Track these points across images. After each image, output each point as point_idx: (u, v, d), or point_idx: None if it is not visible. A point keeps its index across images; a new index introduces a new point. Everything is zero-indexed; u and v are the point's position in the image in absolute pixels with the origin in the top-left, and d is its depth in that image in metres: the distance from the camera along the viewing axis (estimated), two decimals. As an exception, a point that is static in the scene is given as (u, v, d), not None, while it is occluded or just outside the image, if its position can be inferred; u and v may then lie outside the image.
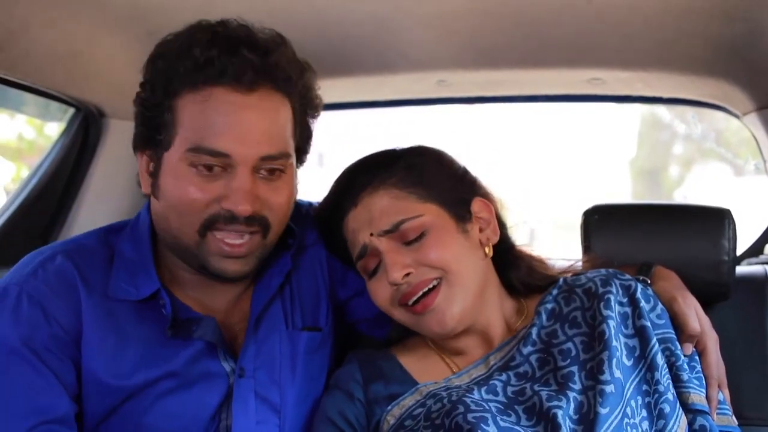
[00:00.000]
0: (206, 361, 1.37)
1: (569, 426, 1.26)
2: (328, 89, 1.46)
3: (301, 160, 1.41)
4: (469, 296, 1.36)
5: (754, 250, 2.15)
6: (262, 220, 1.32)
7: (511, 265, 1.48)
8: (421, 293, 1.34)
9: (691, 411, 1.33)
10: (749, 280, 1.79)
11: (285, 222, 1.38)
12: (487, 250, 1.42)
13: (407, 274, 1.34)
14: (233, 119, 1.27)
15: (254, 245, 1.33)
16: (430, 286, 1.34)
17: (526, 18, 1.72)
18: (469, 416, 1.26)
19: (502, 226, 1.47)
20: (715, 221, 1.68)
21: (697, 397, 1.33)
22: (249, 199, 1.28)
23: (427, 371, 1.42)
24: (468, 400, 1.29)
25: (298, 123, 1.36)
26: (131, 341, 1.34)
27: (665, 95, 2.22)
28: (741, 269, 1.81)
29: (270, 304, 1.44)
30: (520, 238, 1.53)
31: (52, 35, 1.57)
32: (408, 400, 1.37)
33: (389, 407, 1.37)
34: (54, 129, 2.10)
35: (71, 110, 1.93)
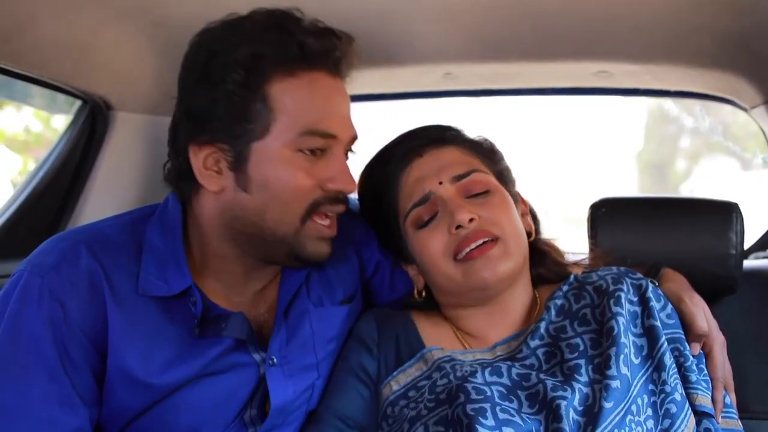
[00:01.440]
0: (236, 355, 1.35)
1: (572, 418, 1.25)
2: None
3: None
4: (519, 263, 1.39)
5: (762, 244, 2.15)
6: (346, 198, 1.35)
7: (540, 257, 1.50)
8: (481, 241, 1.35)
9: (697, 413, 1.31)
10: (756, 273, 1.79)
11: None
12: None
13: (471, 220, 1.36)
14: (334, 103, 1.31)
15: (336, 225, 1.36)
16: (488, 238, 1.35)
17: (533, 10, 1.72)
18: (468, 408, 1.25)
19: (536, 222, 1.52)
20: (722, 215, 1.67)
21: (704, 399, 1.32)
22: (353, 178, 1.32)
23: (439, 340, 1.43)
24: (469, 387, 1.29)
25: None
26: (159, 340, 1.29)
27: (673, 88, 2.21)
28: (748, 263, 1.81)
29: (299, 290, 1.43)
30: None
31: (59, 27, 1.57)
32: (414, 369, 1.38)
33: (395, 372, 1.39)
34: (61, 121, 2.10)
35: (78, 102, 1.93)
